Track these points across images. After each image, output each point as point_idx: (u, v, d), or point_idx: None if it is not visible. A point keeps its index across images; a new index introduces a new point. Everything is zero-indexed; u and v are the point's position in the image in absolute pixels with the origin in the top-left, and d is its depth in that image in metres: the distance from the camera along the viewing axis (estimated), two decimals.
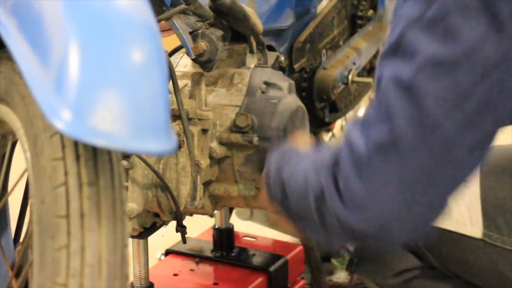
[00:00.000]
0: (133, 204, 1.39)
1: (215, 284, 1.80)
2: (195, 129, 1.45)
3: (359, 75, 2.01)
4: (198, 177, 1.44)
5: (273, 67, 1.62)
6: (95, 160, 1.04)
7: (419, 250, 1.44)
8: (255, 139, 1.47)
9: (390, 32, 1.16)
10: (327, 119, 1.96)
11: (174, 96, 1.41)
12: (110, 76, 0.99)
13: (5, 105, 1.16)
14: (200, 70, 1.50)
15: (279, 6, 1.80)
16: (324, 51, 1.93)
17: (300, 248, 1.94)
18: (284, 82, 1.54)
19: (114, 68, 1.00)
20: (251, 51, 1.59)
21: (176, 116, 1.42)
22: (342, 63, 1.95)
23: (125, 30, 1.02)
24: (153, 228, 1.50)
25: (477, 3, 1.07)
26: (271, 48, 1.75)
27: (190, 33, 1.47)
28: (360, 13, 2.09)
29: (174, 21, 1.45)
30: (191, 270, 1.84)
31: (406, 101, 1.11)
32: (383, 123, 1.13)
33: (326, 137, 2.24)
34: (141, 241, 1.62)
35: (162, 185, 1.39)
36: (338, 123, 2.31)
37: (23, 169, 1.16)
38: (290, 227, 1.35)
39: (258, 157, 1.48)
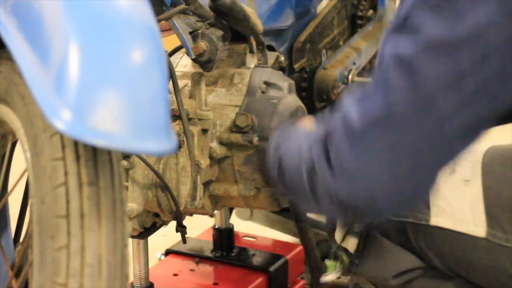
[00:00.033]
0: (133, 204, 1.39)
1: (215, 284, 1.80)
2: (195, 129, 1.45)
3: (359, 75, 2.01)
4: (198, 177, 1.44)
5: (273, 67, 1.62)
6: (95, 160, 1.04)
7: (421, 250, 1.44)
8: (255, 139, 1.47)
9: (397, 11, 1.18)
10: None
11: (174, 96, 1.41)
12: (110, 76, 0.99)
13: (5, 105, 1.16)
14: (200, 70, 1.50)
15: (279, 6, 1.80)
16: (324, 51, 1.93)
17: (300, 248, 1.94)
18: (284, 82, 1.54)
19: (114, 68, 1.00)
20: (251, 51, 1.59)
21: (176, 116, 1.42)
22: (342, 63, 1.95)
23: (125, 30, 1.02)
24: (153, 228, 1.50)
25: None
26: (271, 48, 1.75)
27: (190, 33, 1.47)
28: (360, 13, 2.09)
29: (174, 21, 1.45)
30: (191, 270, 1.84)
31: (405, 78, 1.14)
32: (380, 97, 1.16)
33: None
34: (141, 241, 1.62)
35: (162, 185, 1.39)
36: None
37: (23, 169, 1.15)
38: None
39: (258, 157, 1.48)
